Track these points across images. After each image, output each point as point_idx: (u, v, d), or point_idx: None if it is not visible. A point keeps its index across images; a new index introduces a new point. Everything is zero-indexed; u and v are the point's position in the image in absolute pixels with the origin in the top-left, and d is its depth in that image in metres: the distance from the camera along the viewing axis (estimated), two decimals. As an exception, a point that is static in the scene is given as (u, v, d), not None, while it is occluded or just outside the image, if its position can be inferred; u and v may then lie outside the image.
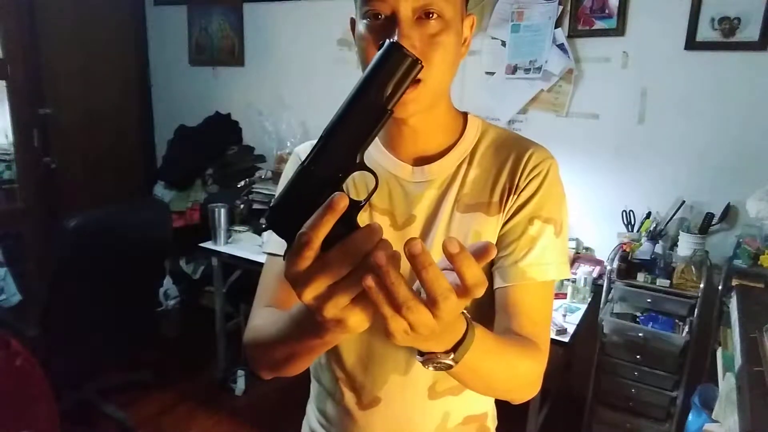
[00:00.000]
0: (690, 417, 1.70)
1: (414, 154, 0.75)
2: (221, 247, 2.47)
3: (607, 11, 2.13)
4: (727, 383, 1.41)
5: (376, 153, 0.77)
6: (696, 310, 1.83)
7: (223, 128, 3.24)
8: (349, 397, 0.80)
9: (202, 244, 2.53)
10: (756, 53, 1.92)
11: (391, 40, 0.47)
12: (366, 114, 0.46)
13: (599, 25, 2.16)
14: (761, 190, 1.86)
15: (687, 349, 1.83)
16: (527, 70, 2.30)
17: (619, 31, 2.12)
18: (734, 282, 1.77)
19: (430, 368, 0.54)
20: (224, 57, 3.21)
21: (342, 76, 2.81)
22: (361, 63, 0.71)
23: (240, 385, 2.59)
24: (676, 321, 1.89)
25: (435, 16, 0.64)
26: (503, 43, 2.34)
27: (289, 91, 3.00)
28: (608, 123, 2.17)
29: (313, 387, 0.91)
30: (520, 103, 2.32)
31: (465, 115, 0.78)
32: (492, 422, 0.87)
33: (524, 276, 0.70)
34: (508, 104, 2.36)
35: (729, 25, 1.94)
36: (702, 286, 1.82)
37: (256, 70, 3.12)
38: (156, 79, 3.61)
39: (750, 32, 1.91)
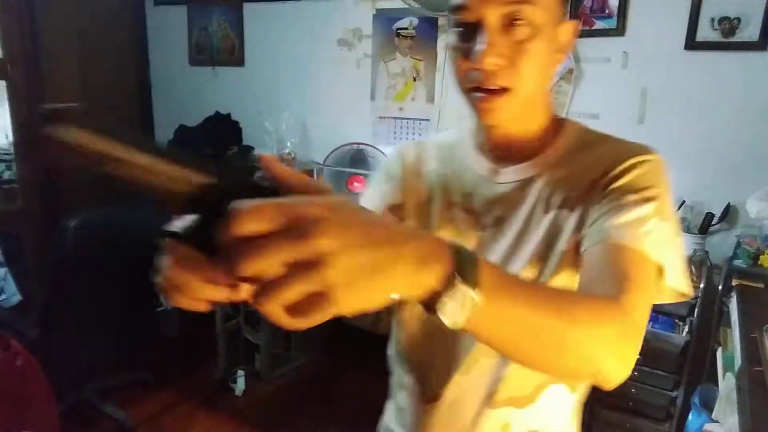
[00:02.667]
0: (690, 417, 1.70)
1: (504, 158, 0.74)
2: (221, 247, 2.47)
3: (607, 11, 2.13)
4: (727, 383, 1.41)
5: (467, 155, 0.78)
6: (696, 310, 1.83)
7: (223, 128, 3.23)
8: (417, 390, 0.80)
9: (202, 244, 2.52)
10: (756, 53, 1.92)
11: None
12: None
13: (599, 25, 2.16)
14: (761, 190, 1.86)
15: (687, 349, 1.83)
16: (527, 70, 2.30)
17: (619, 31, 2.12)
18: (734, 282, 1.77)
19: (450, 317, 0.40)
20: (224, 57, 3.20)
21: (342, 76, 2.81)
22: (454, 75, 0.70)
23: (240, 385, 2.59)
24: (676, 321, 1.88)
25: (523, 22, 0.62)
26: (503, 43, 2.34)
27: (289, 91, 3.00)
28: (608, 123, 2.17)
29: (391, 379, 0.90)
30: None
31: (563, 120, 0.76)
32: None
33: (608, 235, 0.60)
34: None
35: (729, 25, 1.94)
36: (702, 286, 1.82)
37: (256, 70, 3.12)
38: (156, 79, 3.61)
39: (750, 32, 1.91)
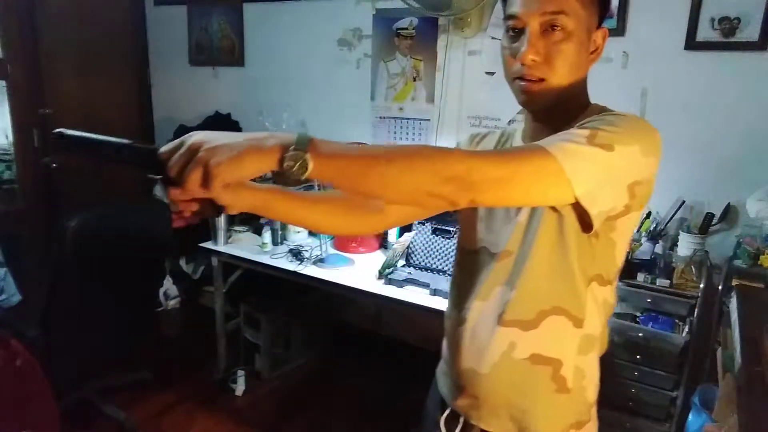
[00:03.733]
0: (690, 417, 1.70)
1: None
2: (221, 247, 2.48)
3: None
4: (727, 383, 1.41)
5: (515, 141, 0.96)
6: (696, 310, 1.83)
7: (223, 128, 3.22)
8: (455, 314, 0.99)
9: (202, 244, 2.53)
10: (756, 53, 1.92)
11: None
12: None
13: (599, 25, 2.15)
14: (761, 190, 1.86)
15: (687, 349, 1.83)
16: (527, 70, 2.30)
17: (619, 31, 2.12)
18: (734, 282, 1.77)
19: (290, 167, 0.61)
20: (224, 57, 3.21)
21: (342, 76, 2.81)
22: (503, 69, 0.87)
23: (240, 385, 2.59)
24: (676, 321, 1.88)
25: (558, 28, 0.80)
26: (503, 43, 2.34)
27: (289, 91, 3.00)
28: (608, 123, 2.17)
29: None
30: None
31: (600, 108, 0.91)
32: (572, 374, 0.90)
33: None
34: (508, 104, 2.36)
35: (729, 25, 1.94)
36: (702, 286, 1.81)
37: (256, 70, 3.12)
38: (156, 79, 3.61)
39: (750, 32, 1.91)
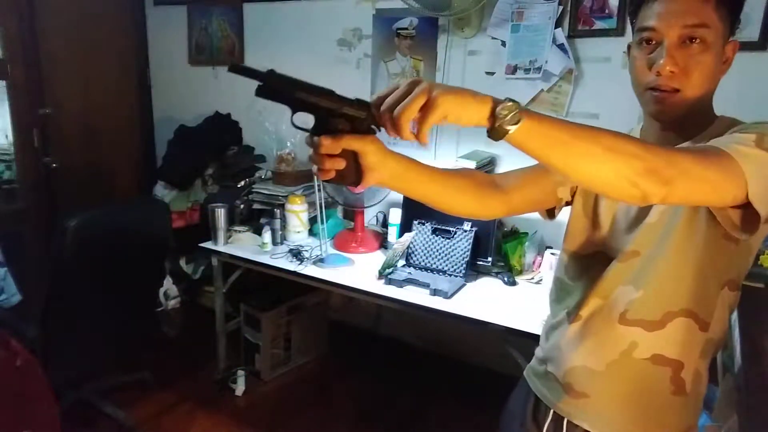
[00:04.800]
0: (690, 417, 1.70)
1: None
2: (221, 247, 2.48)
3: (607, 11, 2.13)
4: (727, 383, 1.41)
5: None
6: (696, 310, 1.83)
7: (223, 128, 3.23)
8: (561, 314, 1.00)
9: (202, 244, 2.53)
10: (756, 53, 1.92)
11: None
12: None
13: (599, 25, 2.16)
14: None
15: (687, 349, 1.83)
16: (527, 70, 2.30)
17: (619, 31, 2.12)
18: (734, 282, 1.77)
19: (503, 115, 0.65)
20: (224, 57, 3.20)
21: (342, 76, 2.81)
22: (632, 78, 0.91)
23: (240, 385, 2.59)
24: (676, 321, 1.88)
25: (697, 41, 0.81)
26: (503, 43, 2.34)
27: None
28: (608, 123, 2.15)
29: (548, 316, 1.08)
30: (520, 103, 2.32)
31: (727, 120, 0.90)
32: (691, 377, 0.91)
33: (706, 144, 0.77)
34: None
35: (729, 25, 1.94)
36: (702, 286, 1.81)
37: (256, 70, 3.11)
38: (156, 79, 3.61)
39: (750, 32, 1.91)
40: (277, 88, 0.76)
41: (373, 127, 0.73)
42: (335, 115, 0.72)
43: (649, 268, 0.87)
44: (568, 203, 1.04)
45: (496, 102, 0.66)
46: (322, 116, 0.73)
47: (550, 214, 1.07)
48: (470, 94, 0.65)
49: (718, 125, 0.87)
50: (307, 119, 0.76)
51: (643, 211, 0.89)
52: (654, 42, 0.84)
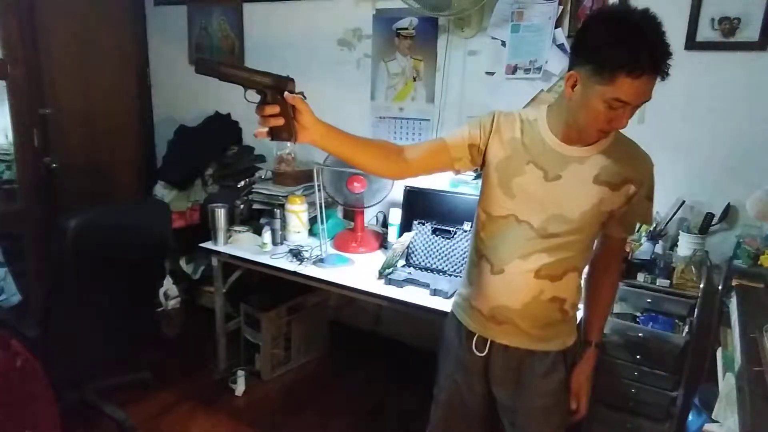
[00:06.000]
0: (690, 417, 1.70)
1: (569, 141, 1.21)
2: (221, 247, 2.48)
3: (607, 11, 2.13)
4: (727, 383, 1.41)
5: (542, 131, 1.24)
6: (696, 310, 1.83)
7: (223, 128, 3.24)
8: (486, 266, 1.30)
9: (202, 244, 2.53)
10: (756, 53, 1.92)
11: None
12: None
13: (599, 25, 2.15)
14: (761, 190, 1.86)
15: (687, 349, 1.83)
16: (527, 70, 2.30)
17: (619, 31, 2.12)
18: (734, 282, 1.77)
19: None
20: (224, 57, 3.21)
21: (342, 76, 2.81)
22: (583, 115, 1.14)
23: (240, 385, 2.59)
24: (676, 321, 1.88)
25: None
26: (503, 43, 2.34)
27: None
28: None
29: (467, 263, 1.42)
30: (520, 103, 2.32)
31: None
32: (570, 308, 1.33)
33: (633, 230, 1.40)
34: (508, 104, 2.35)
35: (729, 25, 1.94)
36: (702, 286, 1.81)
37: (256, 70, 3.11)
38: (156, 79, 3.61)
39: (750, 32, 1.91)
40: (204, 69, 1.01)
41: (300, 93, 1.01)
42: (261, 87, 1.00)
43: (564, 247, 1.23)
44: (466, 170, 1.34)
45: None
46: (260, 92, 1.00)
47: (456, 173, 1.34)
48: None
49: (610, 136, 1.23)
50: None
51: (564, 204, 1.21)
52: (618, 107, 1.09)
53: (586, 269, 1.38)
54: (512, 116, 1.27)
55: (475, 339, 1.35)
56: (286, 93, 0.99)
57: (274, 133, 1.00)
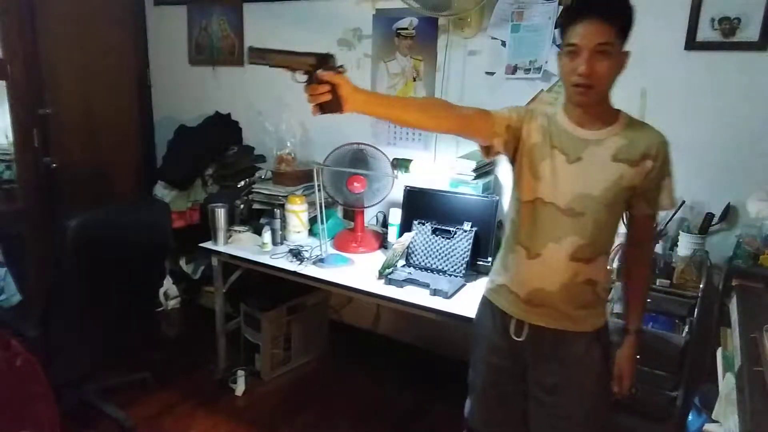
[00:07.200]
0: (690, 417, 1.70)
1: (584, 125, 1.32)
2: (221, 247, 2.48)
3: (607, 11, 2.13)
4: (727, 383, 1.41)
5: (562, 120, 1.34)
6: (696, 310, 1.83)
7: (223, 128, 3.23)
8: (522, 252, 1.37)
9: (202, 244, 2.53)
10: (756, 53, 1.92)
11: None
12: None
13: (599, 25, 2.15)
14: (761, 190, 1.86)
15: (687, 349, 1.83)
16: (527, 70, 2.30)
17: (619, 31, 2.12)
18: (734, 282, 1.77)
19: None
20: (224, 57, 3.21)
21: (342, 76, 2.81)
22: (562, 78, 1.31)
23: (240, 385, 2.59)
24: (676, 321, 1.88)
25: (603, 53, 1.21)
26: (503, 43, 2.34)
27: (289, 91, 2.98)
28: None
29: (501, 251, 1.49)
30: (520, 103, 2.32)
31: (617, 109, 1.34)
32: (602, 291, 1.41)
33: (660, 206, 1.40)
34: (508, 104, 2.35)
35: (729, 25, 1.94)
36: (702, 286, 1.81)
37: (256, 70, 3.11)
38: (156, 79, 3.61)
39: (750, 32, 1.91)
40: (257, 57, 1.14)
41: (340, 67, 1.13)
42: (307, 68, 1.12)
43: (592, 226, 1.30)
44: (500, 153, 1.42)
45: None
46: (307, 72, 1.12)
47: (487, 152, 1.43)
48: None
49: (625, 118, 1.34)
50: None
51: (586, 183, 1.29)
52: (576, 53, 1.22)
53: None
54: (539, 108, 1.43)
55: (513, 323, 1.40)
56: (319, 71, 1.11)
57: (325, 108, 1.12)
